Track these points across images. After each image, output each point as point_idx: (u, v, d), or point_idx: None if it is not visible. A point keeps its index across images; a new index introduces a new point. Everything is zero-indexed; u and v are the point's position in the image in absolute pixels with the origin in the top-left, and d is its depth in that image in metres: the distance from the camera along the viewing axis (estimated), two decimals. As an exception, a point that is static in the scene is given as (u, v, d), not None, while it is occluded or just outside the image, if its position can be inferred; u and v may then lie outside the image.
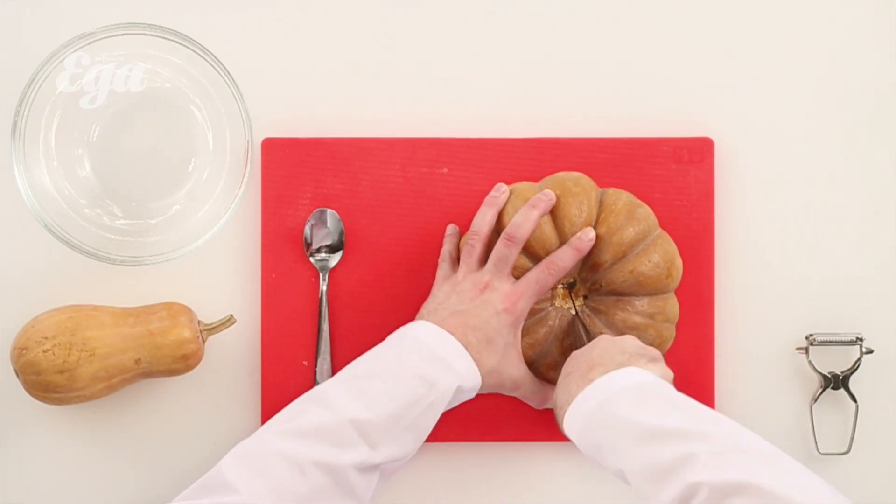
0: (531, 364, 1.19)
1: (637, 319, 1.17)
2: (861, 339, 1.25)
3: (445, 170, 1.25)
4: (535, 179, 1.22)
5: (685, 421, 1.02)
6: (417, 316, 1.17)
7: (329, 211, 1.25)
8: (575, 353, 1.14)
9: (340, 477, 1.03)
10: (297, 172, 1.25)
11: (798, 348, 1.26)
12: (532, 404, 1.20)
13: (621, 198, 1.18)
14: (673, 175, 1.25)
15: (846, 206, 1.27)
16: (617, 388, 1.06)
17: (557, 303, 1.19)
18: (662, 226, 1.21)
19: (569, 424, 1.09)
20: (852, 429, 1.26)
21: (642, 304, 1.17)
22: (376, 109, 1.27)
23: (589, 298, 1.19)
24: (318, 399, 1.07)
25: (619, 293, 1.17)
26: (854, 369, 1.25)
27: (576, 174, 1.19)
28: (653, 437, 1.01)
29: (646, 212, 1.18)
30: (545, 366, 1.20)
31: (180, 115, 1.24)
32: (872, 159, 1.27)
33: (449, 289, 1.17)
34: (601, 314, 1.18)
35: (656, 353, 1.12)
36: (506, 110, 1.27)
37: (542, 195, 1.16)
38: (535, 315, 1.18)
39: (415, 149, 1.25)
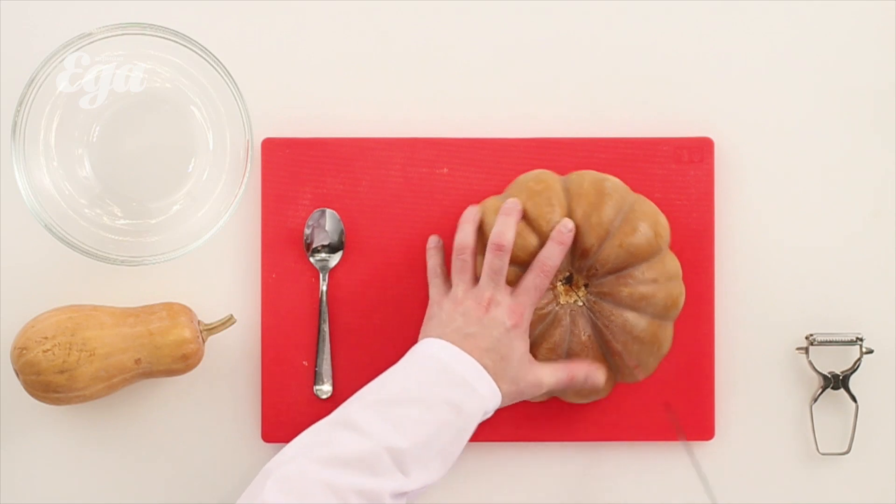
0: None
1: (643, 289, 1.16)
2: (861, 339, 1.25)
3: (445, 170, 1.25)
4: (535, 179, 1.23)
5: None
6: (425, 333, 1.17)
7: (329, 211, 1.25)
8: None
9: (377, 503, 1.05)
10: (297, 172, 1.25)
11: (798, 348, 1.26)
12: (565, 388, 1.18)
13: (585, 179, 1.17)
14: (673, 175, 1.25)
15: (846, 206, 1.27)
16: None
17: (562, 300, 1.18)
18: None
19: None
20: (852, 429, 1.26)
21: (642, 272, 1.16)
22: (376, 109, 1.27)
23: (590, 286, 1.18)
24: (350, 425, 1.08)
25: (616, 270, 1.16)
26: (854, 369, 1.25)
27: (535, 172, 1.19)
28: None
29: (613, 183, 1.17)
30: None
31: (180, 115, 1.24)
32: (872, 159, 1.27)
33: (451, 307, 1.16)
34: (607, 296, 1.17)
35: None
36: (506, 110, 1.27)
37: (508, 203, 1.17)
38: (544, 319, 1.17)
39: (415, 149, 1.25)
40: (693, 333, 1.24)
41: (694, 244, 1.25)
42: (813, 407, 1.26)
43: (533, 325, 1.17)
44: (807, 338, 1.26)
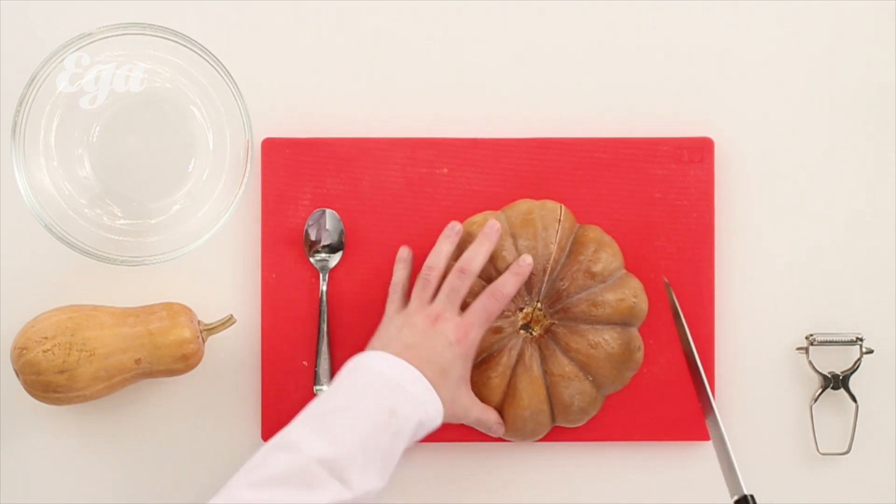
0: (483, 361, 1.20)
1: (603, 297, 1.19)
2: (861, 339, 1.25)
3: (445, 170, 1.25)
4: (535, 179, 1.23)
5: None
6: (368, 347, 1.17)
7: (329, 211, 1.25)
8: None
9: None
10: (297, 172, 1.25)
11: (798, 348, 1.26)
12: (479, 428, 1.20)
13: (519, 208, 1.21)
14: (673, 175, 1.25)
15: (846, 205, 1.27)
16: None
17: (518, 329, 1.20)
18: (663, 225, 1.22)
19: None
20: (852, 429, 1.26)
21: (600, 290, 1.19)
22: (376, 109, 1.27)
23: (554, 312, 1.20)
24: (282, 444, 1.06)
25: (576, 289, 1.19)
26: (854, 369, 1.25)
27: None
28: None
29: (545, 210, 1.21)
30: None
31: (180, 115, 1.24)
32: (872, 159, 1.27)
33: (401, 322, 1.17)
34: (570, 318, 1.19)
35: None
36: (506, 110, 1.27)
37: (488, 226, 1.18)
38: (493, 346, 1.20)
39: (415, 149, 1.25)
40: (693, 333, 1.24)
41: (694, 244, 1.25)
42: (813, 407, 1.26)
43: (483, 349, 1.19)
44: (807, 338, 1.26)
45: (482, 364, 1.20)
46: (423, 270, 1.19)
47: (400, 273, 1.22)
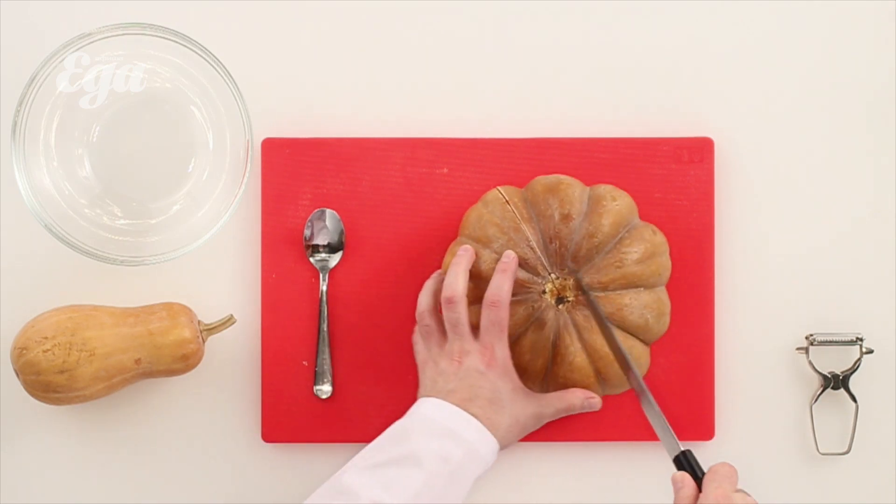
0: (515, 342, 1.19)
1: (632, 263, 1.17)
2: (861, 339, 1.25)
3: (445, 170, 1.25)
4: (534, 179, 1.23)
5: None
6: (419, 394, 1.18)
7: (329, 211, 1.25)
8: None
9: None
10: (297, 172, 1.25)
11: (798, 348, 1.26)
12: (566, 414, 1.20)
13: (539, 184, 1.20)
14: (673, 175, 1.25)
15: (846, 205, 1.27)
16: None
17: (549, 302, 1.19)
18: (663, 225, 1.22)
19: None
20: (852, 429, 1.26)
21: (628, 246, 1.18)
22: (376, 109, 1.27)
23: (580, 277, 1.18)
24: (343, 490, 1.08)
25: (598, 248, 1.17)
26: (854, 369, 1.25)
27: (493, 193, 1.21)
28: None
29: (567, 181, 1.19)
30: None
31: (180, 115, 1.24)
32: (872, 159, 1.27)
33: (432, 370, 1.18)
34: (598, 285, 1.18)
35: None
36: (506, 110, 1.27)
37: (458, 253, 1.17)
38: (529, 320, 1.18)
39: (415, 149, 1.25)
40: (693, 333, 1.24)
41: (694, 244, 1.25)
42: (813, 407, 1.26)
43: (517, 326, 1.18)
44: (807, 338, 1.26)
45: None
46: (417, 319, 1.20)
47: (419, 323, 1.21)
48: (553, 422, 1.23)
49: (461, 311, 1.16)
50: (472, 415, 1.12)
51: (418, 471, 1.08)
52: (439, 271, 1.21)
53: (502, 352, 1.16)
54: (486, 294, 1.16)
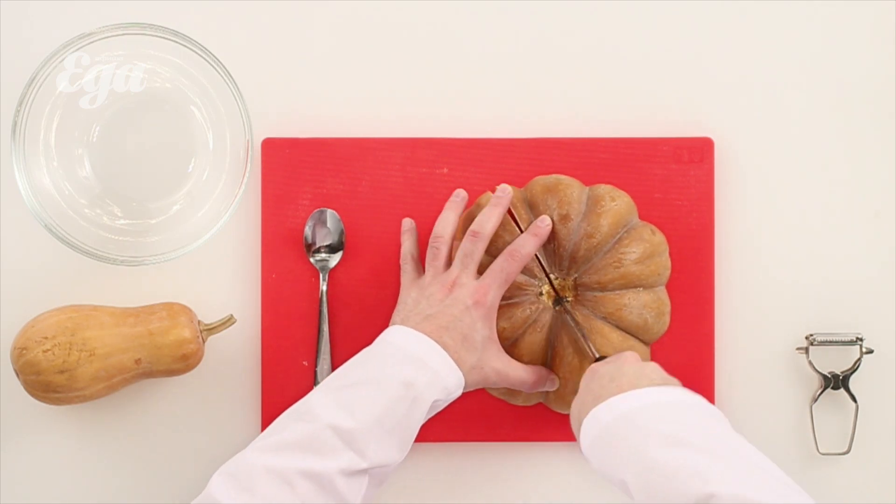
0: (513, 344, 1.19)
1: (632, 266, 1.17)
2: (861, 339, 1.25)
3: (445, 170, 1.25)
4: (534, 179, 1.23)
5: (707, 439, 1.01)
6: (390, 323, 1.17)
7: (329, 211, 1.25)
8: (595, 367, 1.13)
9: (327, 484, 1.03)
10: (297, 172, 1.25)
11: (798, 348, 1.26)
12: (524, 389, 1.19)
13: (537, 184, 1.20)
14: (673, 175, 1.25)
15: (846, 206, 1.27)
16: (651, 401, 1.05)
17: (545, 303, 1.19)
18: (663, 225, 1.22)
19: (589, 425, 1.08)
20: (852, 429, 1.26)
21: (626, 247, 1.17)
22: (376, 109, 1.27)
23: (578, 279, 1.19)
24: (300, 413, 1.08)
25: (596, 249, 1.17)
26: (854, 369, 1.25)
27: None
28: (674, 445, 1.00)
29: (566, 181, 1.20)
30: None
31: (180, 115, 1.24)
32: (872, 160, 1.27)
33: (417, 294, 1.17)
34: (595, 287, 1.18)
35: (676, 381, 1.11)
36: (506, 110, 1.27)
37: (499, 190, 1.18)
38: (526, 322, 1.18)
39: (415, 149, 1.25)
40: (693, 333, 1.24)
41: (694, 244, 1.25)
42: (813, 407, 1.26)
43: (515, 329, 1.18)
44: (807, 338, 1.26)
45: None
46: (432, 240, 1.19)
47: (407, 243, 1.22)
48: (553, 422, 1.23)
49: (481, 248, 1.16)
50: (443, 345, 1.12)
51: (381, 394, 1.07)
52: (464, 195, 1.21)
53: (494, 299, 1.16)
54: (512, 244, 1.16)
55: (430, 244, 1.19)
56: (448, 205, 1.20)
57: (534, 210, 1.19)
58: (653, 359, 1.23)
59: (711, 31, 1.27)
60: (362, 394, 1.08)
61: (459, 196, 1.21)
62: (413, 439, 1.10)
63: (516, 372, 1.17)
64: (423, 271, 1.19)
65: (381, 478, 1.08)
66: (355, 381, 1.09)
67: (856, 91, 1.27)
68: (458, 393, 1.13)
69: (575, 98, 1.27)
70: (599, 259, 1.17)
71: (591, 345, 1.16)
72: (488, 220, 1.17)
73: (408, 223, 1.22)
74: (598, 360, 1.15)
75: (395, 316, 1.17)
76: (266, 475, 1.03)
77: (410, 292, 1.18)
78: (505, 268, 1.16)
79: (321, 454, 1.04)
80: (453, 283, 1.16)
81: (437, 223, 1.19)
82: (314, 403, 1.08)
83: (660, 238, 1.19)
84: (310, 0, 1.27)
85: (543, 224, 1.17)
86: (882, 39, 1.27)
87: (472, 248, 1.16)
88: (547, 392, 1.21)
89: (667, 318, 1.20)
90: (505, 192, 1.18)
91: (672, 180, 1.25)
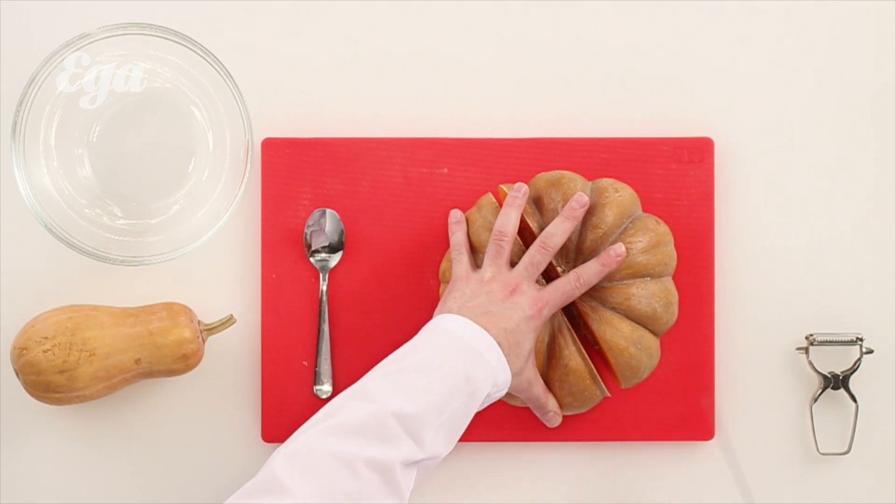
0: None
1: (638, 258, 1.18)
2: (861, 339, 1.25)
3: (445, 170, 1.25)
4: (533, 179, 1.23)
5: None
6: (443, 308, 1.16)
7: (329, 211, 1.25)
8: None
9: (389, 474, 1.03)
10: (297, 172, 1.25)
11: (798, 348, 1.26)
12: (534, 408, 1.20)
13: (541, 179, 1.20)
14: (673, 175, 1.25)
15: (846, 205, 1.27)
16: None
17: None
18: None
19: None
20: (852, 429, 1.26)
21: (632, 236, 1.18)
22: (376, 109, 1.27)
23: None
24: (359, 394, 1.07)
25: (602, 239, 1.18)
26: (854, 369, 1.25)
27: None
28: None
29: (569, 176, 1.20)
30: None
31: (180, 115, 1.24)
32: (872, 159, 1.27)
33: (476, 287, 1.17)
34: (600, 290, 1.19)
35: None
36: (506, 110, 1.27)
37: (574, 204, 1.17)
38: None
39: (415, 149, 1.25)
40: (693, 333, 1.24)
41: (694, 244, 1.25)
42: (813, 407, 1.26)
43: None
44: (807, 338, 1.26)
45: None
46: (495, 236, 1.18)
47: (459, 234, 1.21)
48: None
49: (546, 261, 1.17)
50: (499, 343, 1.12)
51: (440, 383, 1.07)
52: (525, 190, 1.19)
53: (548, 315, 1.16)
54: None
55: (493, 240, 1.18)
56: (509, 200, 1.19)
57: (539, 205, 1.19)
58: (653, 359, 1.23)
59: (712, 31, 1.27)
60: (422, 381, 1.07)
61: (521, 191, 1.19)
62: (460, 436, 1.10)
63: (538, 390, 1.18)
64: (476, 264, 1.19)
65: (426, 472, 1.09)
66: (413, 366, 1.09)
67: (856, 91, 1.27)
68: (501, 395, 1.14)
69: (575, 98, 1.27)
70: (606, 250, 1.17)
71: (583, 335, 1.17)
72: (557, 234, 1.17)
73: (457, 215, 1.22)
74: (594, 354, 1.15)
75: (450, 303, 1.16)
76: (331, 461, 1.02)
77: (469, 283, 1.17)
78: (566, 290, 1.16)
79: (385, 441, 1.04)
80: (515, 287, 1.16)
81: (498, 220, 1.18)
82: (370, 386, 1.07)
83: (664, 228, 1.19)
84: (310, 0, 1.27)
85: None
86: (882, 39, 1.27)
87: (540, 259, 1.17)
88: None
89: (675, 309, 1.19)
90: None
91: (672, 180, 1.25)
